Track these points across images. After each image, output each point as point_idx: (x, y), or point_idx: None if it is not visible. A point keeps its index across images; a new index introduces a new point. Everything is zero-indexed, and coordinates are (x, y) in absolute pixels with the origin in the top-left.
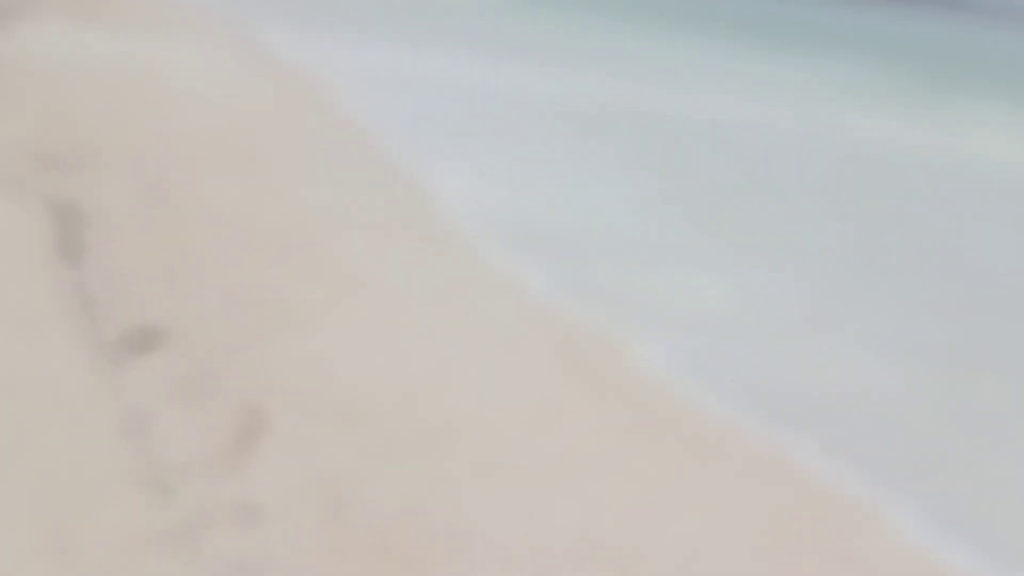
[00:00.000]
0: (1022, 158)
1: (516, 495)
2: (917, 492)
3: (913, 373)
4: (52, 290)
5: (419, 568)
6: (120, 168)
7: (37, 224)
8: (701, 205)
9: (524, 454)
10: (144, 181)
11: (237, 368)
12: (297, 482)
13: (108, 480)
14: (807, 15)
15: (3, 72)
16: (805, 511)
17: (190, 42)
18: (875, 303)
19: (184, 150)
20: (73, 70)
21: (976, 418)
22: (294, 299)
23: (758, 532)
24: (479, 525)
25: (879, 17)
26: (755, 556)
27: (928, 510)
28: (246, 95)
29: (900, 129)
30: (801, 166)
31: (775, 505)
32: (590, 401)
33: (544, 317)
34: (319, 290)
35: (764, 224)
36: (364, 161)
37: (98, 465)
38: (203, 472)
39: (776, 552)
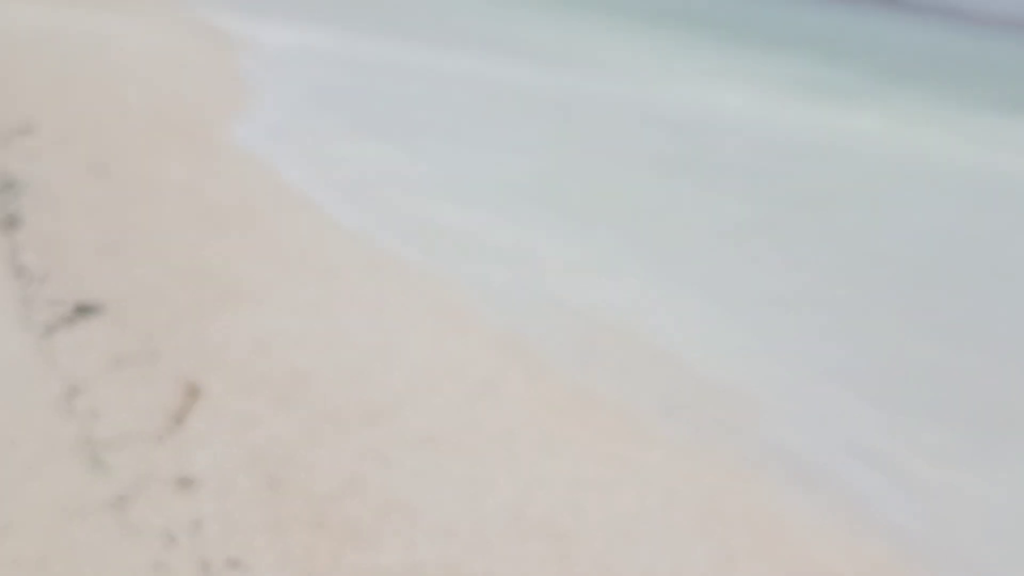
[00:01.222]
0: (950, 147)
1: (453, 471)
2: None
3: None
4: None
5: (354, 541)
6: (60, 140)
7: None
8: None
9: (461, 431)
10: (84, 154)
11: (175, 342)
12: (233, 456)
13: (42, 451)
14: (758, 12)
15: None
16: (733, 492)
17: (134, 17)
18: (748, 274)
19: (126, 124)
20: (12, 40)
21: None
22: (235, 276)
23: (687, 512)
24: (415, 500)
25: (824, 15)
26: (685, 534)
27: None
28: (189, 71)
29: (834, 118)
30: (728, 151)
31: (704, 486)
32: (526, 382)
33: (483, 301)
34: (260, 268)
35: (657, 198)
36: (302, 142)
37: (32, 436)
38: (138, 444)
39: (707, 530)
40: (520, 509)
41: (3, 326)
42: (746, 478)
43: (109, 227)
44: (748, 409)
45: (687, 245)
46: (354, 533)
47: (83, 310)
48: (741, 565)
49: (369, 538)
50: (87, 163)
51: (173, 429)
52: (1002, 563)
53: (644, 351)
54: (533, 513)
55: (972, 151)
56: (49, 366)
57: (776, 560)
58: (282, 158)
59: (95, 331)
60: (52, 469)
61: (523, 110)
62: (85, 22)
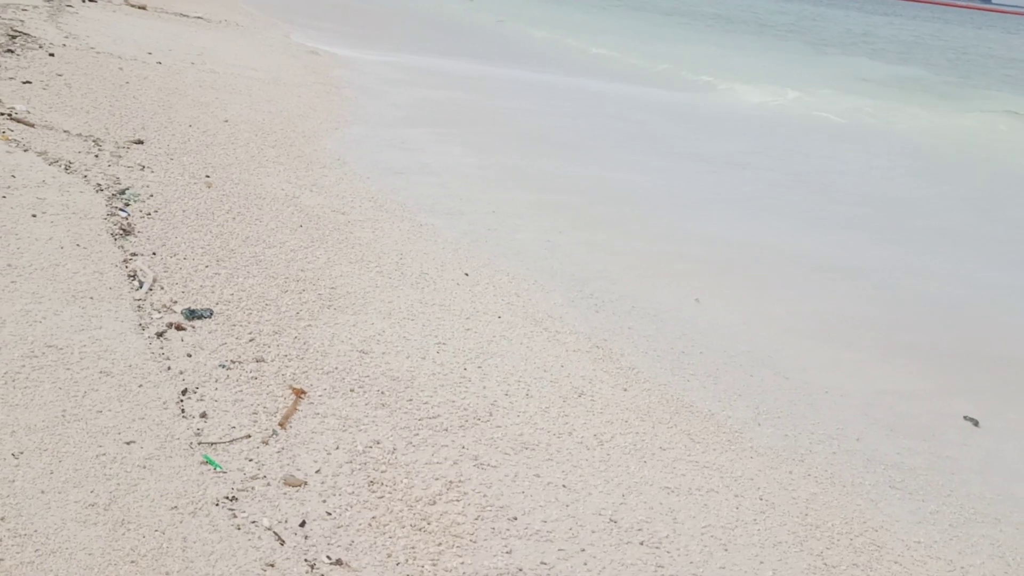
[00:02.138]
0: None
1: (548, 476)
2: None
3: None
4: (103, 265)
5: (454, 543)
6: (169, 152)
7: (89, 201)
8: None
9: (556, 437)
10: (191, 165)
11: (279, 347)
12: (335, 458)
13: (156, 450)
14: None
15: (69, 54)
16: (832, 500)
17: (238, 36)
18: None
19: (230, 137)
20: (124, 56)
21: None
22: (334, 283)
23: (786, 521)
24: (512, 504)
25: None
26: (783, 546)
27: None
28: (289, 87)
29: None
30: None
31: (804, 494)
32: (619, 389)
33: (575, 307)
34: (358, 275)
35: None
36: (400, 153)
37: (147, 436)
38: (247, 446)
39: (805, 542)
40: (615, 516)
41: (119, 330)
42: (846, 488)
43: (215, 235)
44: (845, 416)
45: (791, 262)
46: (454, 536)
47: (192, 315)
48: None
49: (468, 541)
50: (194, 174)
51: (280, 431)
52: None
53: (738, 358)
54: (628, 520)
55: None
56: (161, 369)
57: (878, 575)
58: (379, 169)
59: (204, 336)
60: (166, 467)
61: (599, 120)
62: (192, 40)
